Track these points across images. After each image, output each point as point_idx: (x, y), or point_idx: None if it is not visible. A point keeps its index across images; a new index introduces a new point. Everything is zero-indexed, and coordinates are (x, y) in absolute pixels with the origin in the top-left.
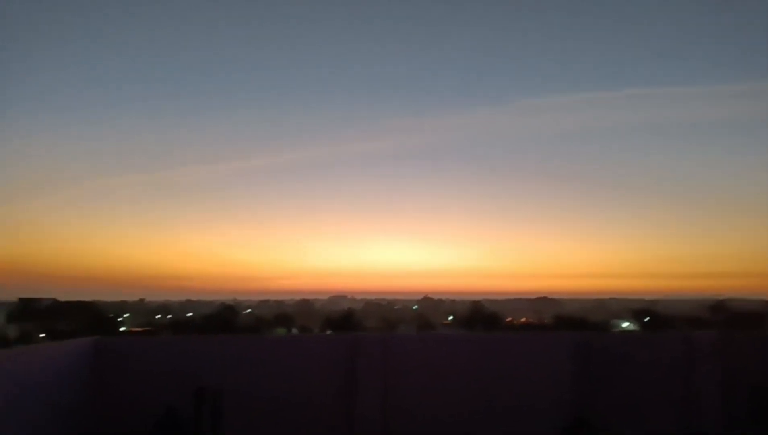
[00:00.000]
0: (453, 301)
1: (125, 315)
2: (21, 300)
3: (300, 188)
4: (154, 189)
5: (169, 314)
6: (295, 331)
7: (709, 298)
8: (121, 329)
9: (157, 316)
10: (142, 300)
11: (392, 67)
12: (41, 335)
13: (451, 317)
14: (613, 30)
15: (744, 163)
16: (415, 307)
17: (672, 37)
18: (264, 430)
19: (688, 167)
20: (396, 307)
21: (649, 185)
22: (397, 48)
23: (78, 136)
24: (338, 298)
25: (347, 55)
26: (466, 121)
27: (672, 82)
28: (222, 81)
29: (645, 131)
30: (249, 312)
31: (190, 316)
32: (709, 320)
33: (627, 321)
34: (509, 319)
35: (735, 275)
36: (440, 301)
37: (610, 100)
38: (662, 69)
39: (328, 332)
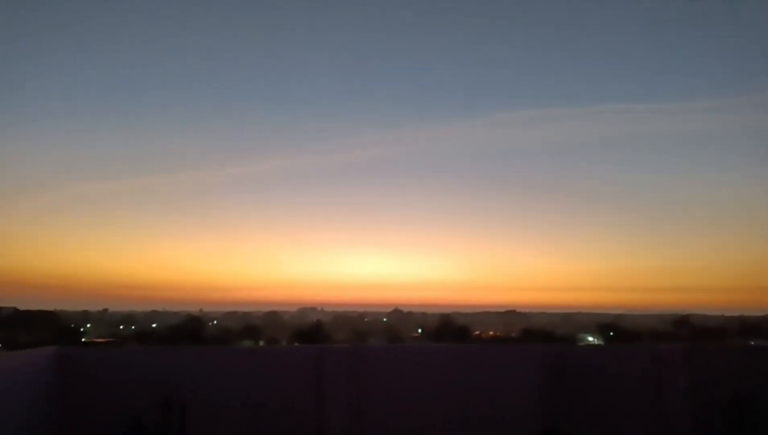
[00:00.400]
0: (423, 313)
1: (88, 325)
2: None
3: (269, 198)
4: (119, 197)
5: (133, 325)
6: (262, 343)
7: (672, 312)
8: (84, 340)
9: (121, 327)
10: (105, 310)
11: (366, 79)
12: None
13: (420, 330)
14: (591, 44)
15: (709, 178)
16: (384, 319)
17: (649, 53)
18: None
19: (654, 182)
20: (366, 319)
21: (615, 199)
22: (373, 60)
23: (41, 144)
24: (307, 309)
25: (322, 68)
26: (439, 133)
27: (644, 98)
28: (194, 91)
29: (612, 146)
30: (216, 323)
31: (155, 327)
32: (673, 334)
33: (592, 335)
34: (478, 332)
35: (698, 290)
36: (410, 313)
37: (580, 115)
38: (636, 85)
39: (296, 344)
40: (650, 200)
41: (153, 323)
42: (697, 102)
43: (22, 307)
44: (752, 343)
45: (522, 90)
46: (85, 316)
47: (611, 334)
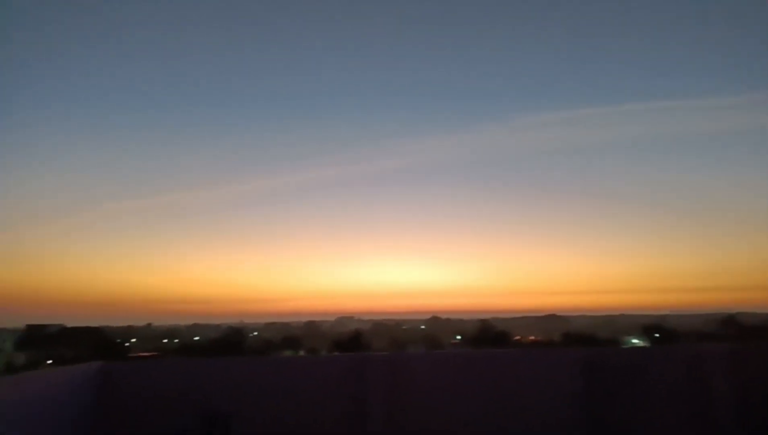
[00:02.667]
0: (461, 320)
1: (132, 340)
2: (28, 327)
3: (306, 210)
4: (160, 214)
5: (176, 338)
6: (302, 353)
7: (718, 312)
8: (129, 354)
9: (165, 341)
10: (149, 324)
11: (386, 88)
12: (48, 362)
13: (459, 336)
14: (608, 46)
15: (750, 176)
16: (423, 326)
17: (667, 52)
18: None
19: (694, 181)
20: (404, 327)
21: (655, 200)
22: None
23: (83, 163)
24: (345, 319)
25: (342, 79)
26: (473, 139)
27: (676, 95)
28: (223, 106)
29: (652, 146)
30: (256, 335)
31: (197, 339)
32: (719, 334)
33: (636, 337)
34: (518, 337)
35: (744, 288)
36: (448, 320)
37: (611, 114)
38: (670, 82)
39: (335, 353)
40: (691, 200)
41: (195, 336)
42: (731, 98)
43: (69, 324)
44: None
45: (549, 92)
46: (129, 331)
47: (656, 335)
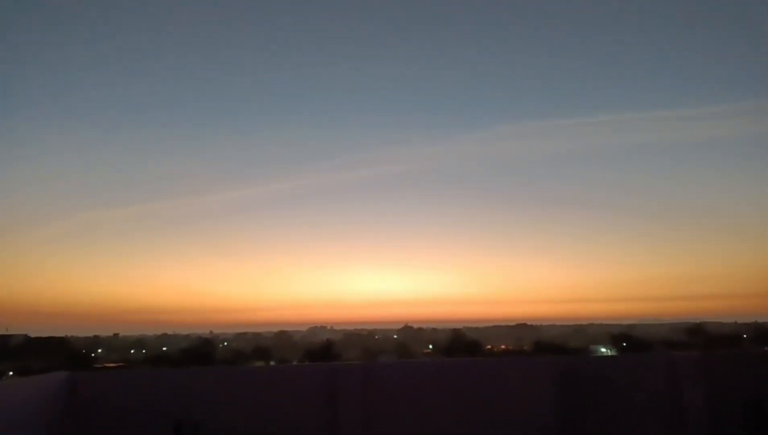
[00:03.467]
0: (433, 329)
1: (99, 350)
2: None
3: (277, 219)
4: (128, 223)
5: (144, 349)
6: (273, 363)
7: (686, 321)
8: (95, 365)
9: (132, 351)
10: (116, 335)
11: (371, 95)
12: (10, 373)
13: (431, 346)
14: (594, 54)
15: (721, 184)
16: (395, 336)
17: (653, 60)
18: None
19: (664, 189)
20: (376, 336)
21: (625, 209)
22: (377, 76)
23: (50, 173)
24: (317, 329)
25: (325, 84)
26: (445, 147)
27: (648, 106)
28: (199, 115)
29: (620, 154)
30: (226, 345)
31: (166, 350)
32: (688, 343)
33: (605, 346)
34: (489, 346)
35: (712, 297)
36: (420, 329)
37: (587, 124)
38: (639, 93)
39: (307, 363)
40: (661, 208)
41: (163, 347)
42: (706, 107)
43: (33, 334)
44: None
45: (527, 102)
46: (96, 341)
47: (624, 344)
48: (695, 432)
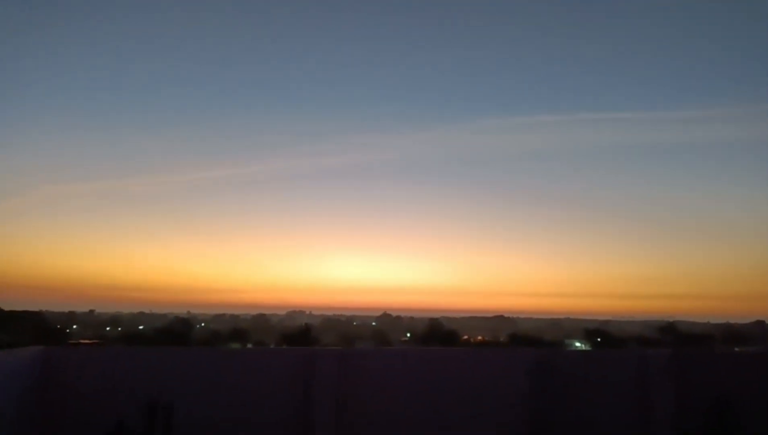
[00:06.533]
0: (411, 317)
1: (74, 326)
2: None
3: (258, 201)
4: (107, 198)
5: (119, 326)
6: (250, 346)
7: (659, 319)
8: (69, 341)
9: (107, 328)
10: (91, 311)
11: (353, 82)
12: None
13: (408, 334)
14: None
15: (699, 186)
16: (373, 323)
17: (642, 60)
18: None
19: (641, 190)
20: (354, 323)
21: (603, 207)
22: (361, 64)
23: (27, 143)
24: (295, 313)
25: (307, 71)
26: (427, 137)
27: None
28: (176, 91)
29: (599, 152)
30: (203, 326)
31: (142, 328)
32: (660, 341)
33: (579, 341)
34: (466, 336)
35: (685, 297)
36: (399, 317)
37: (569, 122)
38: (626, 92)
39: (284, 347)
40: (638, 208)
41: (140, 325)
42: (685, 111)
43: (6, 307)
44: (737, 349)
45: (511, 96)
46: (70, 317)
47: (598, 339)
48: (661, 427)
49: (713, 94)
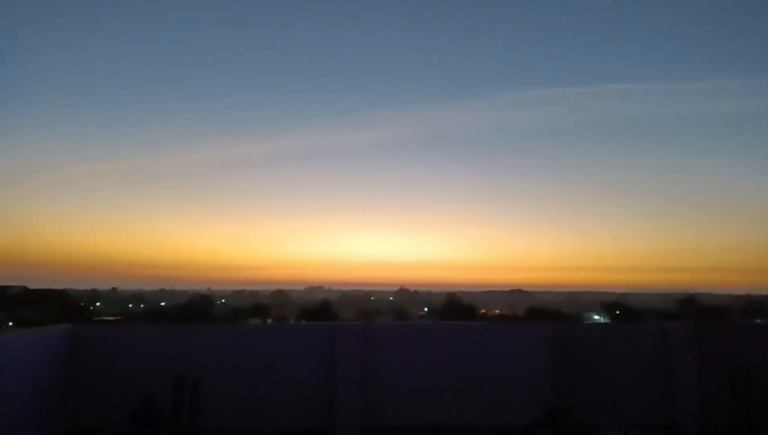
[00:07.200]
0: (429, 292)
1: (97, 303)
2: None
3: (278, 179)
4: (129, 177)
5: (142, 303)
6: (270, 321)
7: (678, 292)
8: (93, 318)
9: (130, 305)
10: (114, 289)
11: (372, 60)
12: (9, 323)
13: (426, 308)
14: (597, 26)
15: (714, 161)
16: (391, 298)
17: (659, 32)
18: (242, 419)
19: (660, 163)
20: (372, 298)
21: (622, 181)
22: (379, 42)
23: (52, 124)
24: (314, 288)
25: (327, 49)
26: (445, 114)
27: (652, 78)
28: (200, 73)
29: (618, 126)
30: (223, 302)
31: (164, 305)
32: (679, 313)
33: (598, 313)
34: (483, 310)
35: (705, 270)
36: (416, 292)
37: (587, 95)
38: (640, 66)
39: (305, 322)
40: (657, 181)
41: (162, 302)
42: (705, 83)
43: (32, 285)
44: (758, 321)
45: (528, 72)
46: (94, 294)
47: (617, 312)
48: (683, 399)
49: (737, 67)
